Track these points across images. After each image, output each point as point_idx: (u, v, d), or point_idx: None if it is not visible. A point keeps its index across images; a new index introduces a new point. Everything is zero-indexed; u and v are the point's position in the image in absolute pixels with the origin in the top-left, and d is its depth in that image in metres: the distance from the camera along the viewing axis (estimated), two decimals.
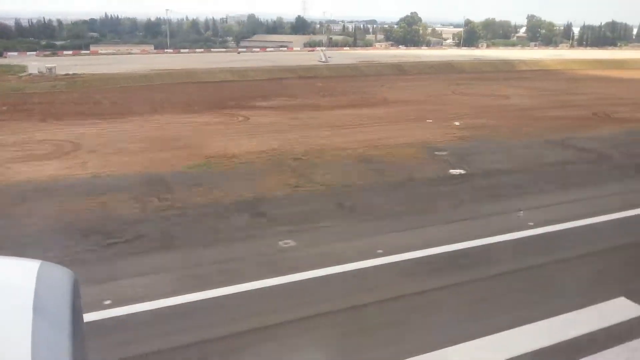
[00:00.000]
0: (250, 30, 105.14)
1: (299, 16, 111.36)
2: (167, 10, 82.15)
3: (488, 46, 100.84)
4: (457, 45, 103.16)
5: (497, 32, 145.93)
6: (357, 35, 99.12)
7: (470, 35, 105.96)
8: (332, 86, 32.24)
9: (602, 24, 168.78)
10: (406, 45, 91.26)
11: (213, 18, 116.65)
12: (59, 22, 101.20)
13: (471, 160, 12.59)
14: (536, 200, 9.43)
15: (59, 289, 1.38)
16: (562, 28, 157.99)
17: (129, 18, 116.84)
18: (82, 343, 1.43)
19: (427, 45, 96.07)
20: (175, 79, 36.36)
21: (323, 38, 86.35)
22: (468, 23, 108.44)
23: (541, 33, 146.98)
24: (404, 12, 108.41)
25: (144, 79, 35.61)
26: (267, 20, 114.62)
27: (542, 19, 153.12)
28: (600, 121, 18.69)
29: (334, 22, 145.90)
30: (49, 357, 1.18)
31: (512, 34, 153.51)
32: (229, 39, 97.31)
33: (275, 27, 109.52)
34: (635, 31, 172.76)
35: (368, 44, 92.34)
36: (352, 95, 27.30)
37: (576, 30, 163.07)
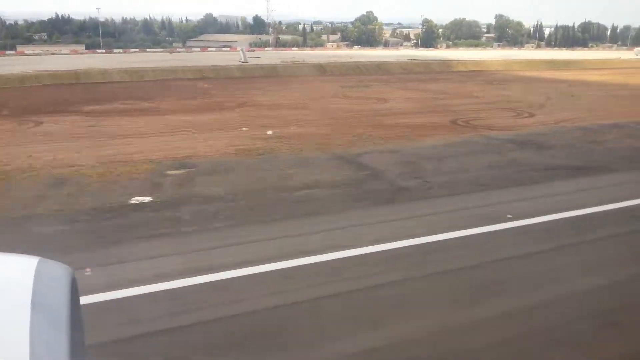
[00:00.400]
0: (205, 30, 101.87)
1: (256, 16, 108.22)
2: (97, 9, 78.45)
3: (448, 47, 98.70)
4: (416, 45, 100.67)
5: (465, 32, 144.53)
6: (306, 35, 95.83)
7: (430, 35, 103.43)
8: (217, 88, 29.18)
9: (576, 24, 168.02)
10: (362, 45, 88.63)
11: (169, 18, 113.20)
12: (2, 22, 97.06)
13: (198, 182, 9.49)
14: (183, 243, 6.38)
15: (57, 285, 1.37)
16: (530, 28, 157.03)
17: (79, 19, 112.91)
18: (82, 339, 1.45)
19: (384, 46, 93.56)
20: (55, 80, 32.97)
21: (270, 38, 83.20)
22: (426, 23, 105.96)
23: (508, 33, 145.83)
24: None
25: (17, 81, 32.14)
26: (225, 21, 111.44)
27: (511, 18, 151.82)
28: (448, 129, 15.76)
29: (298, 22, 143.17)
30: (47, 353, 1.16)
31: (481, 34, 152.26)
32: (178, 39, 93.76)
33: (229, 27, 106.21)
34: (609, 32, 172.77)
35: (319, 44, 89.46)
36: (219, 98, 24.16)
37: (550, 31, 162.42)
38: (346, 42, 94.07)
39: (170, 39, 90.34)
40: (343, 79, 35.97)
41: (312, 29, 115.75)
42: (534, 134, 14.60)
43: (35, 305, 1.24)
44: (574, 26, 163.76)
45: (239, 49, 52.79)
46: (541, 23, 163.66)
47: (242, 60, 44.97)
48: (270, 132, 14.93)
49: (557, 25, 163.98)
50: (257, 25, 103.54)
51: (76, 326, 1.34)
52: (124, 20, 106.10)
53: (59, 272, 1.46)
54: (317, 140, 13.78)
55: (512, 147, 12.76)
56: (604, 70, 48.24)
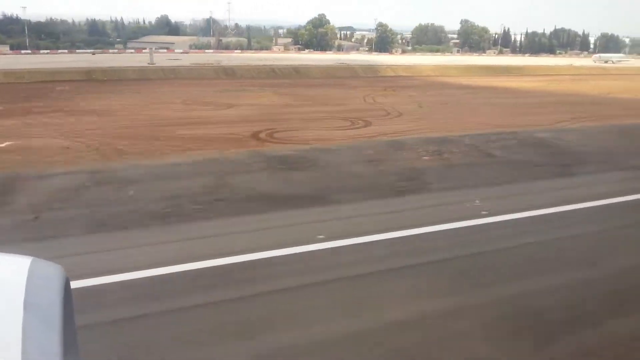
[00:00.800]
0: (156, 32, 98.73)
1: (210, 18, 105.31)
2: (23, 8, 74.98)
3: (405, 52, 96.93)
4: (370, 50, 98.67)
5: (431, 38, 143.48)
6: (250, 38, 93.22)
7: (385, 40, 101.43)
8: (74, 91, 26.46)
9: (546, 31, 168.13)
10: (313, 49, 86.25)
11: (122, 19, 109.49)
12: None
13: None
14: None
15: (50, 286, 1.37)
16: (495, 34, 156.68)
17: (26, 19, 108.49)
18: (75, 340, 1.43)
19: (338, 50, 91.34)
20: None
21: (212, 40, 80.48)
22: (379, 27, 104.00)
23: (473, 39, 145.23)
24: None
25: None
26: (176, 22, 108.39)
27: (476, 24, 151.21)
28: (236, 143, 13.40)
29: (264, 26, 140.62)
30: (40, 353, 1.15)
31: (447, 40, 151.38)
32: (118, 40, 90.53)
33: (178, 28, 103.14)
34: (580, 39, 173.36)
35: (265, 47, 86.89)
36: (40, 103, 21.58)
37: (518, 37, 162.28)
38: (298, 46, 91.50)
39: (110, 39, 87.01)
40: (236, 82, 33.53)
41: (276, 32, 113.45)
42: (320, 150, 12.20)
43: (28, 305, 1.23)
44: (544, 33, 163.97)
45: (148, 49, 49.78)
46: (508, 29, 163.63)
47: (150, 61, 42.27)
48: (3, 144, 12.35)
49: (527, 31, 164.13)
50: (210, 28, 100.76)
51: (69, 326, 1.32)
52: (63, 22, 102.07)
53: (51, 272, 1.45)
54: (40, 156, 11.25)
55: (262, 166, 10.33)
56: (543, 77, 46.93)
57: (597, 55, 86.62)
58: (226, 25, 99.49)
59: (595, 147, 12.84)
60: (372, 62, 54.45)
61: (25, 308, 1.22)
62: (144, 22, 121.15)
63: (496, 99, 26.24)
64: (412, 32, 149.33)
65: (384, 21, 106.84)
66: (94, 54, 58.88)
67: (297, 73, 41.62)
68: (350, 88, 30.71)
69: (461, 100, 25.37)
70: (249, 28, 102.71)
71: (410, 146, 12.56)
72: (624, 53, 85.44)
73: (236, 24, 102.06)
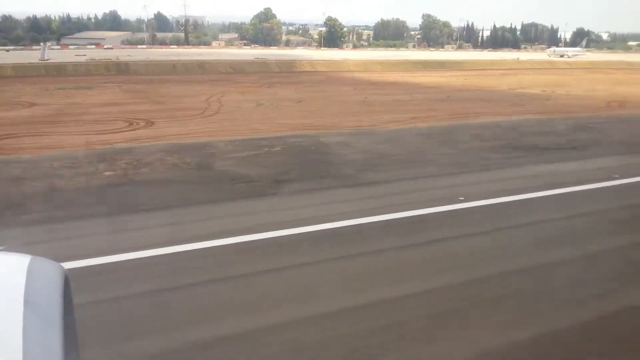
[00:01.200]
0: (102, 27, 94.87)
1: (158, 13, 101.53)
2: None
3: (357, 47, 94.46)
4: (319, 45, 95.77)
5: (392, 33, 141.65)
6: (187, 33, 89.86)
7: (334, 35, 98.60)
8: None
9: (513, 25, 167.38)
10: (261, 45, 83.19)
11: (68, 15, 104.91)
12: None
13: None
14: None
15: (49, 284, 1.38)
16: (457, 29, 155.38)
17: None
18: (74, 337, 1.46)
19: (286, 45, 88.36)
20: None
21: (146, 36, 77.21)
22: (328, 21, 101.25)
23: (434, 34, 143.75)
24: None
25: None
26: (126, 18, 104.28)
27: (437, 18, 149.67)
28: None
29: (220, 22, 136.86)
30: (40, 351, 1.15)
31: (409, 35, 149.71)
32: (52, 36, 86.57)
33: (127, 24, 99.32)
34: (547, 34, 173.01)
35: (205, 43, 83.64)
36: None
37: (483, 32, 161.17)
38: (244, 41, 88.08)
39: (52, 35, 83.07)
40: (101, 79, 30.85)
41: (223, 27, 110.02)
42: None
43: (27, 304, 1.22)
44: (511, 27, 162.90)
45: (41, 45, 46.37)
46: (472, 24, 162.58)
47: (41, 58, 39.23)
48: None
49: (494, 26, 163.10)
50: (160, 23, 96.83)
51: (69, 324, 1.32)
52: (7, 18, 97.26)
53: (51, 270, 1.45)
54: None
55: None
56: (472, 72, 45.12)
57: (552, 49, 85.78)
58: (189, 21, 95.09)
59: (372, 155, 10.53)
60: (299, 57, 51.97)
61: (25, 306, 1.21)
62: (93, 18, 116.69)
63: (376, 96, 23.93)
64: (374, 27, 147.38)
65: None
66: (8, 50, 55.28)
67: (200, 68, 39.00)
68: (230, 84, 28.27)
69: (332, 97, 23.11)
70: (188, 22, 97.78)
71: (139, 155, 10.05)
72: (582, 47, 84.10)
73: (187, 19, 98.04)
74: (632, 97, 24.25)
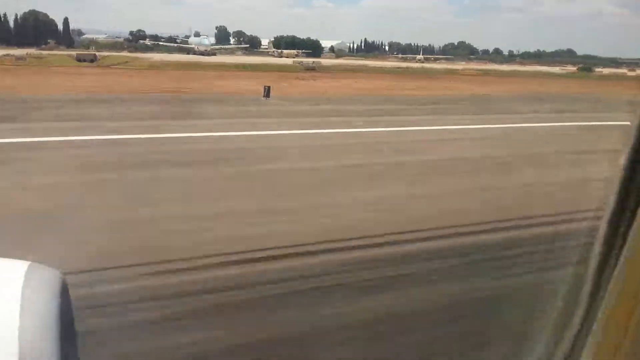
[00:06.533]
0: None
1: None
2: None
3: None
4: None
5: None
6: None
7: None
8: None
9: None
10: None
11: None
12: None
13: None
14: None
15: (47, 291, 1.31)
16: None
17: None
18: (74, 347, 1.36)
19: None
20: None
21: None
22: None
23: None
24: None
25: None
26: None
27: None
28: None
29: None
30: None
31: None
32: None
33: None
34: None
35: None
36: None
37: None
38: None
39: None
40: None
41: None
42: None
43: (24, 312, 1.18)
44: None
45: None
46: None
47: None
48: None
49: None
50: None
51: (67, 332, 1.29)
52: None
53: (49, 277, 1.36)
54: None
55: None
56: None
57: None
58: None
59: None
60: None
61: (21, 314, 1.17)
62: None
63: None
64: None
65: None
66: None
67: None
68: None
69: None
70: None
71: None
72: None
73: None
74: None
